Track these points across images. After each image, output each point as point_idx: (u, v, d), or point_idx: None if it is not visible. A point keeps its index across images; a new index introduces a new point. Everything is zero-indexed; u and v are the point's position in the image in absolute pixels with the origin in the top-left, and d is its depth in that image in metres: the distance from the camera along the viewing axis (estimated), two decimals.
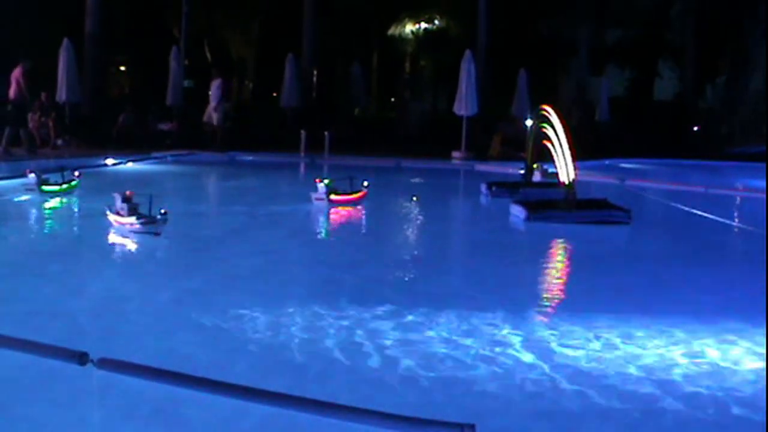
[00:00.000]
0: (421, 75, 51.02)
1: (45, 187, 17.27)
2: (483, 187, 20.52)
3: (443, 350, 7.45)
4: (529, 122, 35.19)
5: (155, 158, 28.54)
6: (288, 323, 8.09)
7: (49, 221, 16.09)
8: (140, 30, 41.92)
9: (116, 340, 7.44)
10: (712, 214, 18.28)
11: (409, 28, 48.34)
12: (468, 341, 7.73)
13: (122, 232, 12.67)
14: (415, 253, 13.49)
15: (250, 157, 29.67)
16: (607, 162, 30.28)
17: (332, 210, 16.89)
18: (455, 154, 32.20)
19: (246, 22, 47.40)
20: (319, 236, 15.48)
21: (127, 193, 12.84)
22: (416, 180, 26.01)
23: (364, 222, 16.85)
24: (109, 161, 26.05)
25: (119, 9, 38.93)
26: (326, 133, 30.46)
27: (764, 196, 23.60)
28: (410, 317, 8.46)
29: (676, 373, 7.06)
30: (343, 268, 11.31)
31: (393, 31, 48.43)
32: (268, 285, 10.05)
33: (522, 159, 26.83)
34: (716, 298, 10.28)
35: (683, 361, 7.39)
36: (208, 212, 18.26)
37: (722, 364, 7.35)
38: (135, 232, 12.34)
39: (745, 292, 10.75)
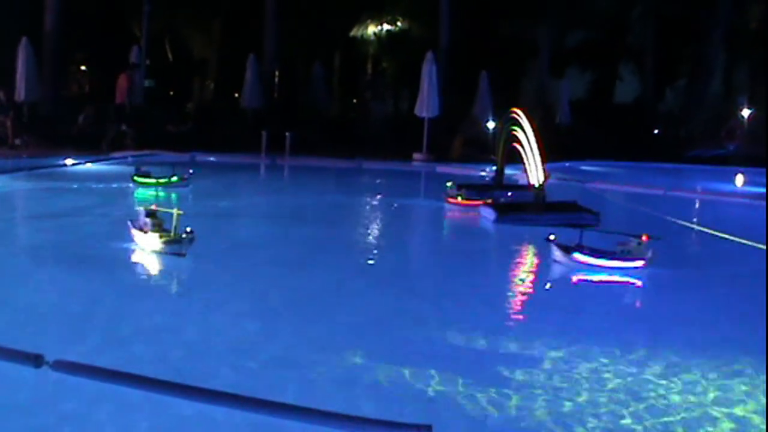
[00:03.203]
0: (383, 76, 51.04)
1: None
2: (453, 189, 20.45)
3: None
4: (491, 124, 35.58)
5: (115, 159, 28.26)
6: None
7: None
8: (101, 29, 41.51)
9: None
10: (672, 216, 18.44)
11: (371, 29, 48.35)
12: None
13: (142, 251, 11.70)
14: (391, 254, 13.41)
15: (211, 158, 29.47)
16: (567, 164, 30.40)
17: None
18: (416, 155, 32.20)
19: (207, 22, 47.14)
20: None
21: (153, 207, 11.94)
22: (379, 181, 25.97)
23: (323, 225, 16.72)
24: (69, 161, 25.77)
25: (79, 7, 38.52)
26: (287, 134, 30.36)
27: (722, 198, 23.93)
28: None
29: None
30: (292, 270, 11.25)
31: (355, 32, 48.41)
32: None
33: (484, 160, 26.96)
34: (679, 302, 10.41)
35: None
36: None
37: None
38: (159, 253, 11.29)
39: (703, 295, 10.89)
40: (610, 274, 11.32)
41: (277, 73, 42.59)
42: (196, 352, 7.32)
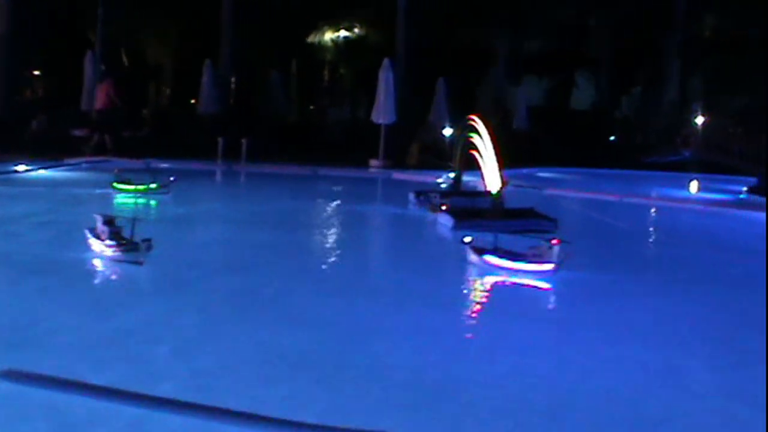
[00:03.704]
0: (340, 83, 50.99)
1: None
2: (411, 196, 20.53)
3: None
4: (448, 130, 35.67)
5: (69, 165, 27.97)
6: None
7: None
8: (55, 33, 41.07)
9: None
10: (626, 222, 18.64)
11: (329, 36, 48.29)
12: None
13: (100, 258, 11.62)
14: (345, 260, 13.40)
15: (166, 164, 29.19)
16: (525, 171, 30.56)
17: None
18: (373, 162, 32.18)
19: (164, 27, 46.81)
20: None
21: (111, 215, 11.90)
22: (334, 188, 25.95)
23: (278, 229, 16.66)
24: (21, 167, 25.47)
25: (33, 10, 38.10)
26: (243, 140, 30.22)
27: (676, 205, 24.17)
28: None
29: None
30: (244, 275, 11.22)
31: (312, 38, 48.32)
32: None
33: (441, 167, 27.03)
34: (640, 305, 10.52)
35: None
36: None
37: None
38: (115, 260, 11.23)
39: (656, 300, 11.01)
40: (519, 276, 11.61)
41: (233, 79, 42.38)
42: (137, 360, 7.29)
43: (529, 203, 18.08)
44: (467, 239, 12.19)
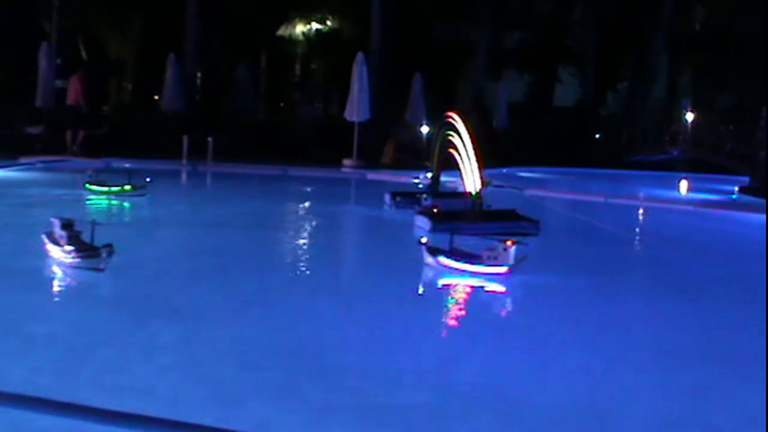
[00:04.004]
0: (312, 78, 50.95)
1: None
2: (387, 198, 20.48)
3: None
4: (425, 128, 35.64)
5: (23, 164, 27.68)
6: None
7: None
8: (7, 24, 40.69)
9: None
10: (612, 224, 18.64)
11: (300, 28, 48.21)
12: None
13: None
14: (311, 268, 13.29)
15: (127, 164, 28.94)
16: (505, 170, 30.55)
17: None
18: (346, 161, 32.09)
19: (125, 19, 46.52)
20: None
21: (70, 219, 11.55)
22: (305, 188, 25.83)
23: (245, 233, 16.53)
24: None
25: None
26: (210, 138, 30.05)
27: (665, 205, 24.23)
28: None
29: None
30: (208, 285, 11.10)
31: (282, 32, 48.23)
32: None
33: (418, 167, 26.95)
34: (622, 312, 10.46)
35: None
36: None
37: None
38: (75, 267, 10.97)
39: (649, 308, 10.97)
40: (470, 279, 11.66)
41: (199, 74, 42.22)
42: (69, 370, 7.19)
43: (511, 204, 18.03)
44: (423, 240, 12.34)
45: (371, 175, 29.46)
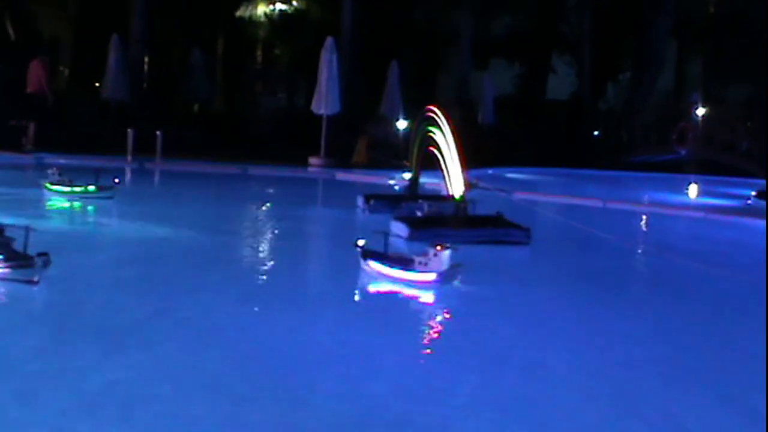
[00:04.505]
0: (275, 66, 50.86)
1: None
2: (360, 201, 20.42)
3: None
4: (402, 123, 35.62)
5: None
6: None
7: None
8: None
9: None
10: (610, 232, 18.71)
11: (262, 9, 48.07)
12: None
13: None
14: (265, 281, 13.24)
15: (62, 160, 28.76)
16: (491, 171, 30.57)
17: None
18: (313, 160, 32.05)
19: None
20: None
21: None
22: (267, 190, 25.79)
23: (196, 240, 16.46)
24: None
25: None
26: (158, 132, 29.94)
27: (672, 212, 24.34)
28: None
29: None
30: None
31: (242, 12, 48.06)
32: None
33: (395, 166, 26.98)
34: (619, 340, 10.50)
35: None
36: None
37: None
38: (2, 278, 10.67)
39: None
40: (396, 285, 11.90)
41: (146, 58, 42.07)
42: None
43: (497, 209, 18.06)
44: (360, 242, 12.56)
45: (341, 175, 29.45)
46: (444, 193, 18.82)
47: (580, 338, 10.04)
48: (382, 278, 12.16)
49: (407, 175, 22.01)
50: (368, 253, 12.44)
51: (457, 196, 17.22)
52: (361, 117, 36.18)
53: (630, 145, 43.28)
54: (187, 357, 8.40)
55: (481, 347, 9.42)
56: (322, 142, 32.16)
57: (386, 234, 12.78)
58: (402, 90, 37.62)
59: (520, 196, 25.31)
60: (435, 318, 11.15)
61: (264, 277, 13.12)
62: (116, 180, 19.61)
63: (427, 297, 11.65)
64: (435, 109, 18.12)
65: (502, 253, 15.45)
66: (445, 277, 11.79)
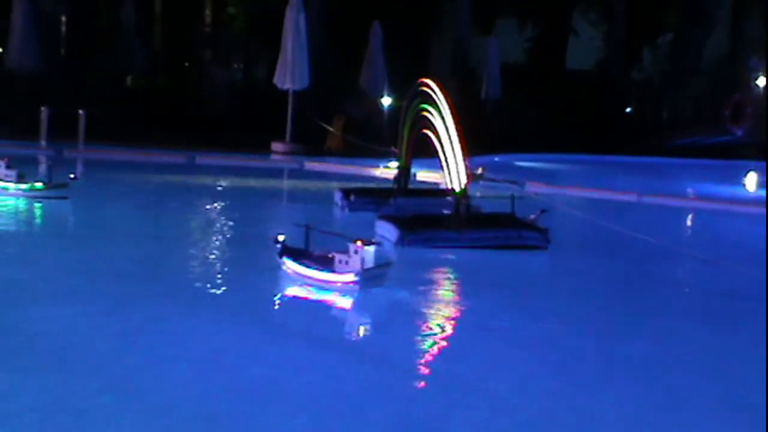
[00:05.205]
0: (228, 28, 50.80)
1: None
2: (337, 196, 20.47)
3: None
4: (386, 100, 35.57)
5: None
6: None
7: None
8: None
9: None
10: (650, 234, 18.62)
11: None
12: None
13: None
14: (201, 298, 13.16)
15: None
16: (497, 158, 30.57)
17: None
18: (276, 146, 31.98)
19: None
20: None
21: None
22: (221, 184, 25.67)
23: (124, 250, 16.33)
24: None
25: None
26: (81, 111, 29.81)
27: (724, 207, 24.31)
28: None
29: None
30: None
31: None
32: None
33: (379, 153, 26.92)
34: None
35: None
36: None
37: None
38: None
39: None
40: (306, 290, 12.11)
41: (64, 19, 41.91)
42: None
43: (508, 206, 17.97)
44: (280, 237, 12.77)
45: (312, 165, 29.36)
46: (441, 186, 18.74)
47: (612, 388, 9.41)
48: (295, 281, 12.37)
49: (395, 165, 21.91)
50: (286, 251, 12.64)
51: (457, 189, 17.08)
52: (336, 92, 36.16)
53: (672, 124, 43.33)
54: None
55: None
56: (288, 124, 32.11)
57: (308, 227, 12.83)
58: (386, 58, 37.55)
59: (535, 189, 25.20)
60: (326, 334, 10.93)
61: (178, 287, 12.98)
62: (72, 175, 19.34)
63: (339, 304, 11.85)
64: (429, 83, 18.03)
65: (512, 259, 15.35)
66: (365, 280, 11.90)
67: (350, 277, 11.96)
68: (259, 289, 12.57)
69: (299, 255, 12.57)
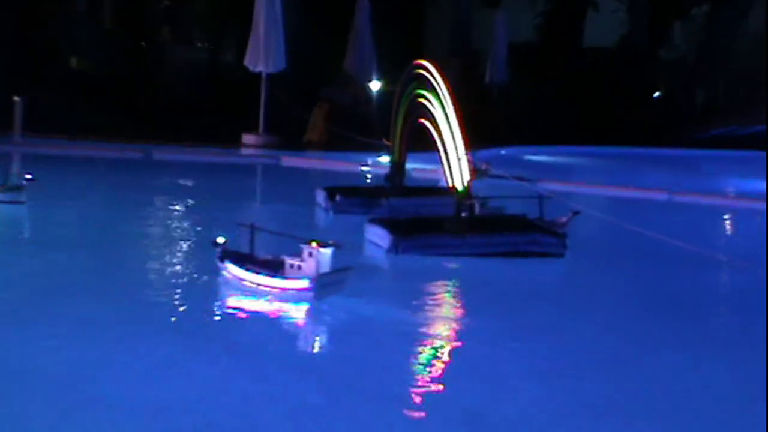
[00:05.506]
0: (190, 3, 50.89)
1: None
2: (320, 196, 20.52)
3: None
4: (375, 85, 35.60)
5: None
6: None
7: None
8: None
9: None
10: (683, 238, 18.63)
11: None
12: None
13: None
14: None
15: None
16: (505, 151, 30.63)
17: None
18: (248, 138, 32.02)
19: None
20: None
21: None
22: (184, 182, 25.66)
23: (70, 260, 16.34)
24: None
25: None
26: (17, 98, 29.82)
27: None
28: None
29: None
30: None
31: None
32: None
33: (367, 146, 26.99)
34: None
35: None
36: None
37: None
38: None
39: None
40: (250, 300, 12.26)
41: None
42: None
43: (518, 207, 18.01)
44: (219, 240, 12.88)
45: (290, 160, 29.41)
46: (441, 184, 18.76)
47: None
48: (238, 288, 12.49)
49: (386, 159, 21.96)
50: (228, 255, 12.73)
51: (459, 188, 17.10)
52: (317, 76, 36.19)
53: (707, 110, 43.36)
54: None
55: None
56: (261, 113, 32.14)
57: (253, 227, 12.89)
58: (375, 37, 37.56)
59: (548, 186, 25.15)
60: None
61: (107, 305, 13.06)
62: (28, 176, 19.43)
63: (292, 316, 11.96)
64: (426, 65, 18.05)
65: (523, 269, 15.35)
66: (320, 287, 11.97)
67: (303, 283, 12.03)
68: (195, 299, 12.57)
69: (243, 259, 12.65)
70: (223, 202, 22.94)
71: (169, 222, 20.34)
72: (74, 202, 21.73)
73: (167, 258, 15.87)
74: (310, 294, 12.00)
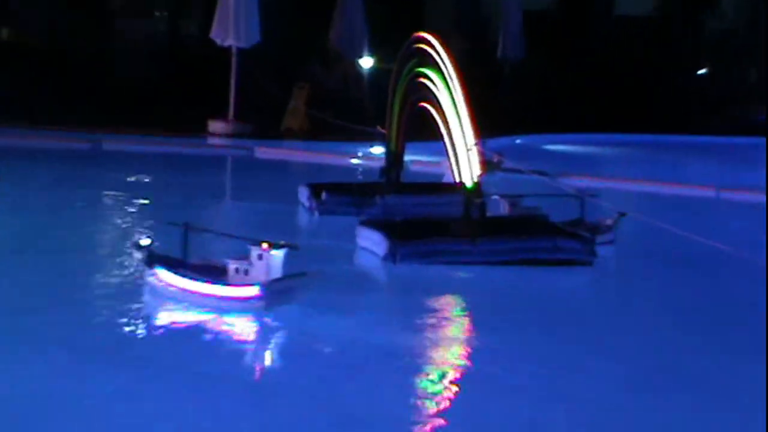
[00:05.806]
0: None
1: None
2: (303, 194, 20.52)
3: None
4: (366, 62, 35.60)
5: None
6: None
7: None
8: None
9: None
10: (733, 242, 18.42)
11: None
12: None
13: None
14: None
15: None
16: (519, 140, 30.61)
17: None
18: (215, 125, 31.98)
19: None
20: None
21: None
22: (139, 179, 25.54)
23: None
24: None
25: None
26: None
27: None
28: None
29: None
30: None
31: None
32: None
33: (358, 134, 26.89)
34: None
35: None
36: None
37: None
38: None
39: None
40: (186, 312, 12.48)
41: None
42: None
43: (556, 208, 17.85)
44: (144, 242, 13.12)
45: (265, 151, 29.34)
46: (445, 179, 18.59)
47: None
48: (172, 298, 12.58)
49: (381, 150, 21.85)
50: (156, 259, 12.79)
51: (468, 183, 16.89)
52: (298, 52, 36.10)
53: (757, 90, 43.31)
54: None
55: None
56: (231, 96, 32.09)
57: (187, 227, 12.91)
58: (367, 6, 37.48)
59: (571, 181, 25.01)
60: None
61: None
62: None
63: (236, 329, 12.08)
64: (427, 38, 17.89)
65: (543, 280, 15.18)
66: (271, 294, 12.05)
67: (252, 290, 12.09)
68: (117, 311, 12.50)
69: (175, 264, 12.72)
70: (184, 201, 22.79)
71: (114, 227, 20.24)
72: (21, 202, 21.78)
73: (97, 269, 15.61)
74: (260, 303, 12.07)
